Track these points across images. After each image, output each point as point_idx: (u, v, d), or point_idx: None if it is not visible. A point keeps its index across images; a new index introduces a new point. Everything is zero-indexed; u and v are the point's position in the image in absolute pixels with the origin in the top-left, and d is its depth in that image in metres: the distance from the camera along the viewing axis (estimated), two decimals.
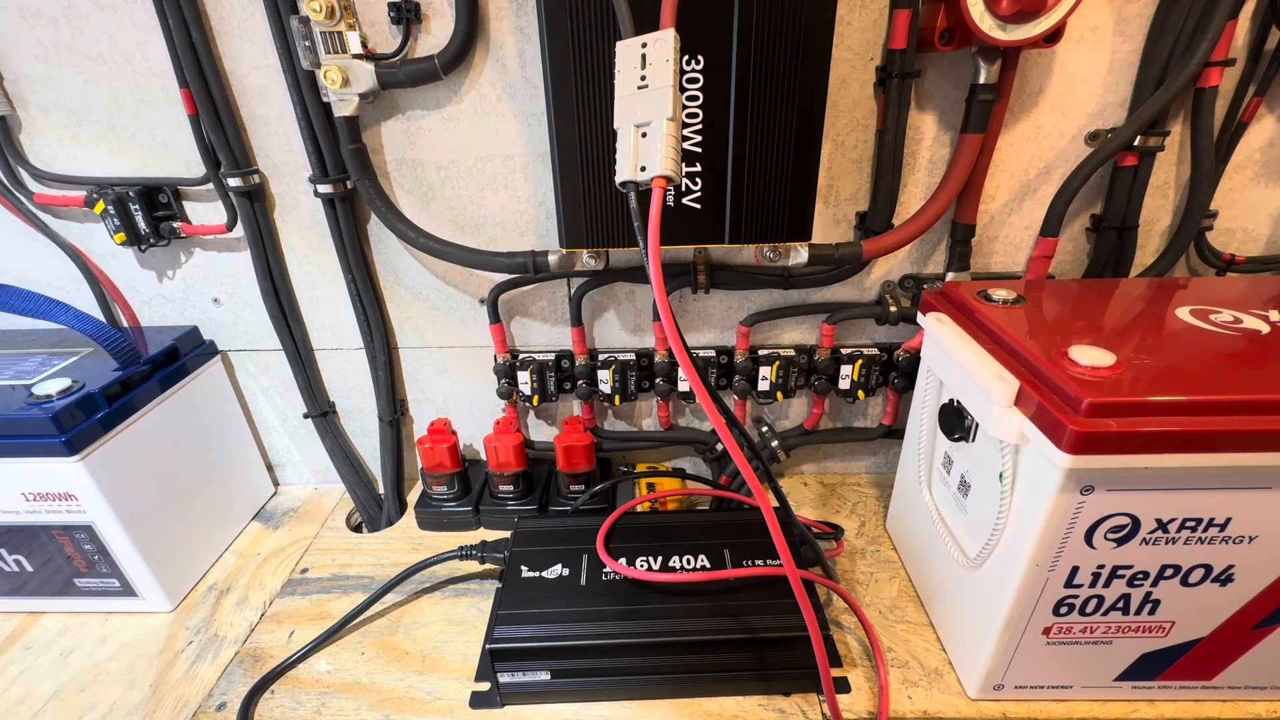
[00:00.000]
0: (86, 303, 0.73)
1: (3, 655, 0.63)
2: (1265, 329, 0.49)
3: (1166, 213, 0.67)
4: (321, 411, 0.79)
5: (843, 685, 0.57)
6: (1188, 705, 0.54)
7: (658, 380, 0.74)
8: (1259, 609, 0.48)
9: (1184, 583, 0.47)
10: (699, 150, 0.55)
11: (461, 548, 0.66)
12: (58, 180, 0.67)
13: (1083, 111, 0.62)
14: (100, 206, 0.65)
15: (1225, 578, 0.47)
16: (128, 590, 0.66)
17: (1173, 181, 0.66)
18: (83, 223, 0.70)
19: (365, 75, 0.59)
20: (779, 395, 0.75)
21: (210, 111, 0.62)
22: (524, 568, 0.61)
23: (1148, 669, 0.52)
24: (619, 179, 0.41)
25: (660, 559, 0.60)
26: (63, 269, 0.71)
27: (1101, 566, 0.47)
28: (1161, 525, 0.45)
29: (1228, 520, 0.44)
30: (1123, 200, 0.64)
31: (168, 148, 0.66)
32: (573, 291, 0.72)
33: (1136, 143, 0.61)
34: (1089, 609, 0.49)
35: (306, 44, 0.58)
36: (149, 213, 0.67)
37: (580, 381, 0.75)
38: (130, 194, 0.66)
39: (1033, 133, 0.63)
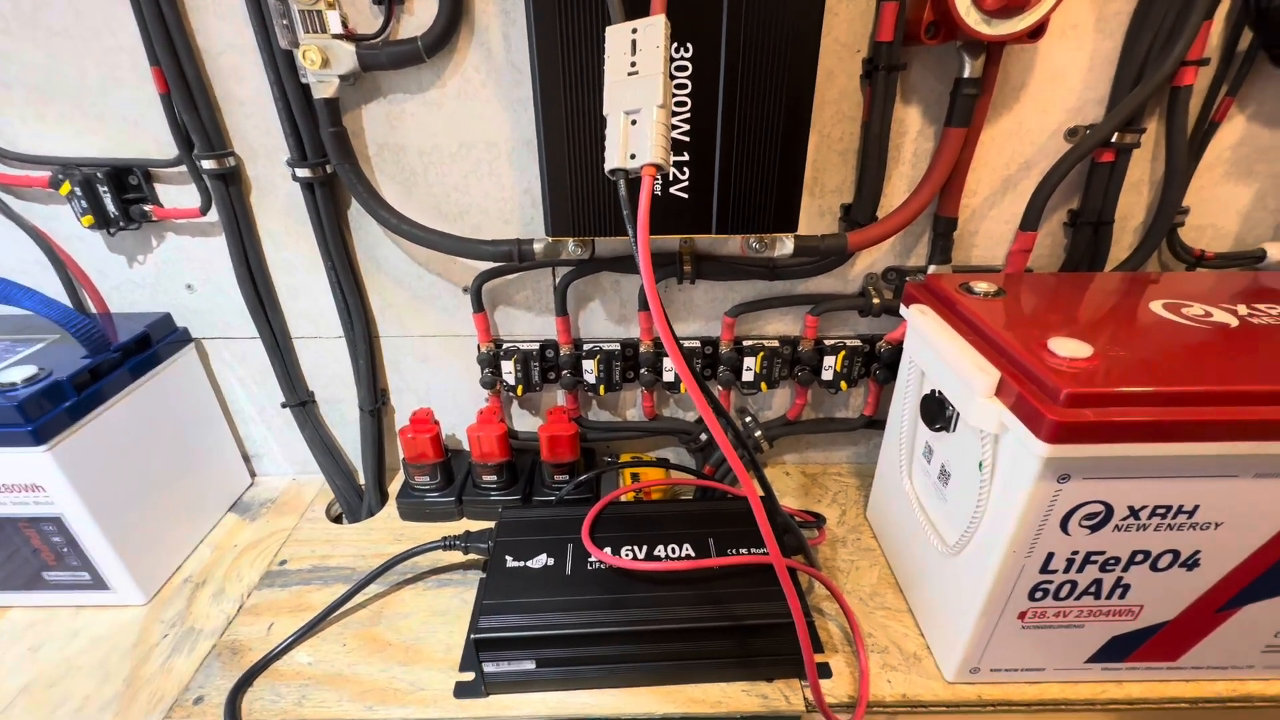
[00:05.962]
0: (52, 288, 0.70)
1: None
2: (1234, 322, 0.50)
3: (1141, 209, 0.69)
4: (300, 401, 0.78)
5: (824, 670, 0.58)
6: (1154, 686, 0.56)
7: (642, 370, 0.74)
8: (1223, 592, 0.50)
9: (1153, 568, 0.49)
10: (687, 139, 0.55)
11: (445, 538, 0.65)
12: (20, 160, 0.64)
13: (1063, 107, 0.63)
14: (66, 188, 0.63)
15: (1192, 562, 0.48)
16: (99, 583, 0.64)
17: (1147, 178, 0.67)
18: (47, 204, 0.67)
19: (346, 56, 0.58)
20: (763, 386, 0.75)
21: (183, 90, 0.60)
22: (509, 558, 0.60)
23: (1117, 651, 0.54)
24: (608, 166, 0.40)
25: (645, 548, 0.60)
26: (26, 252, 0.68)
27: (1076, 552, 0.48)
28: (1134, 512, 0.46)
29: (1196, 507, 0.45)
30: (1099, 196, 0.66)
31: (138, 127, 0.64)
32: (558, 281, 0.71)
33: (1114, 139, 0.62)
34: (1063, 594, 0.50)
35: (284, 22, 0.56)
36: (118, 195, 0.65)
37: (565, 371, 0.75)
38: (98, 175, 0.63)
39: (1014, 128, 0.64)
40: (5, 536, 0.61)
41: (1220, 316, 0.51)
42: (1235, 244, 0.71)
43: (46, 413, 0.57)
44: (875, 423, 0.80)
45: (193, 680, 0.58)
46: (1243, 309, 0.52)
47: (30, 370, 0.58)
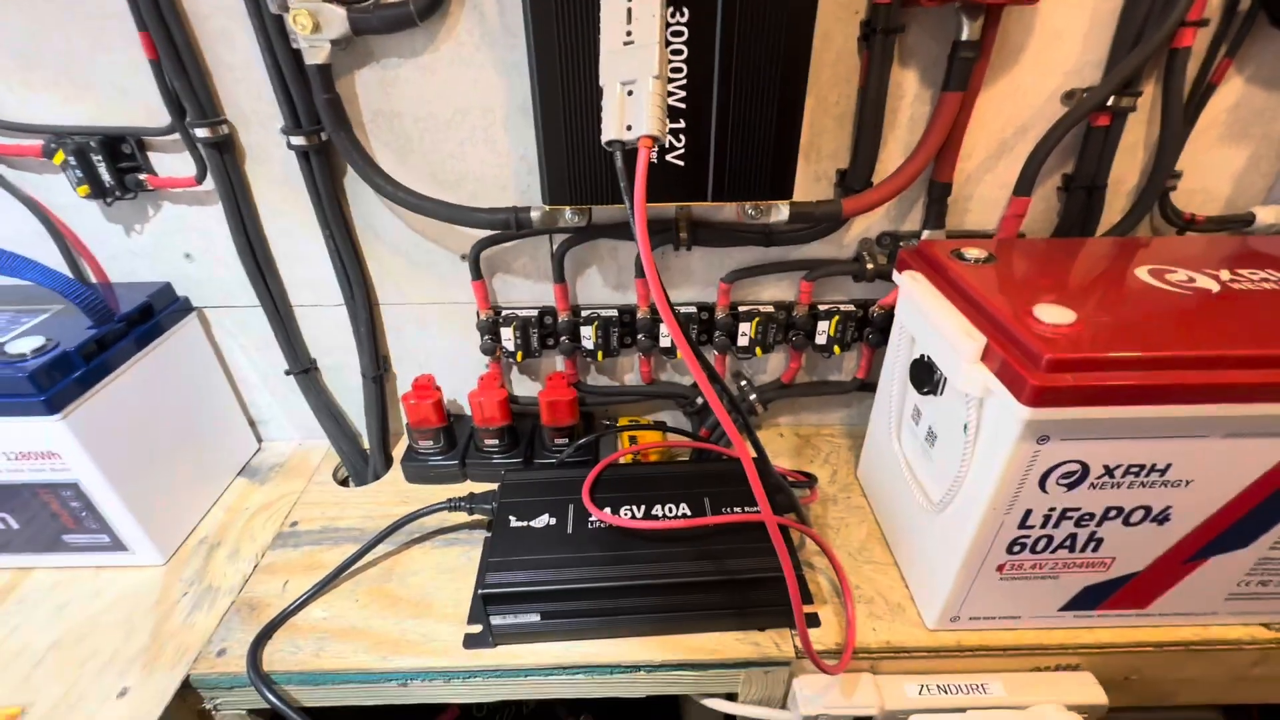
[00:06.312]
0: (51, 258, 0.70)
1: None
2: (1215, 288, 0.52)
3: (1134, 173, 0.69)
4: (303, 368, 0.79)
5: (813, 620, 0.61)
6: (1123, 631, 0.59)
7: (639, 336, 0.76)
8: (1190, 545, 0.53)
9: (1125, 523, 0.51)
10: (683, 106, 0.55)
11: (450, 499, 0.68)
12: (12, 129, 0.63)
13: (1060, 70, 0.63)
14: (60, 157, 0.62)
15: (1163, 518, 0.51)
16: (118, 545, 0.67)
17: (1142, 142, 0.67)
18: (42, 174, 0.67)
19: (337, 20, 0.57)
20: (758, 350, 0.77)
21: (172, 56, 0.59)
22: (512, 517, 0.63)
23: (1089, 600, 0.57)
24: (605, 138, 0.41)
25: (643, 507, 0.63)
26: (24, 224, 0.69)
27: (1052, 509, 0.50)
28: (1109, 471, 0.48)
29: (1168, 466, 0.48)
30: (1094, 160, 0.66)
31: (128, 95, 0.63)
32: (555, 248, 0.72)
33: (1110, 103, 0.62)
34: (1039, 547, 0.53)
35: None
36: (113, 164, 0.64)
37: (563, 338, 0.76)
38: (91, 144, 0.63)
39: (1011, 91, 0.64)
40: (24, 502, 0.64)
41: (1203, 282, 0.52)
42: (1226, 207, 0.71)
43: (57, 383, 0.58)
44: (867, 386, 0.82)
45: (214, 634, 0.61)
46: (1225, 274, 0.54)
47: (38, 341, 0.59)
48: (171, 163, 0.67)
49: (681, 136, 0.57)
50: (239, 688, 0.58)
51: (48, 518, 0.65)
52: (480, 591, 0.57)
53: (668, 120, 0.55)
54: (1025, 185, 0.65)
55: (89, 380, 0.61)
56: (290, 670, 0.58)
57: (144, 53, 0.59)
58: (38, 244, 0.70)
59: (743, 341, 0.76)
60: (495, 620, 0.58)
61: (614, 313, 0.75)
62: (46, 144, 0.63)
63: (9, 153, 0.64)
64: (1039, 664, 0.60)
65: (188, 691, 0.58)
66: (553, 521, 0.63)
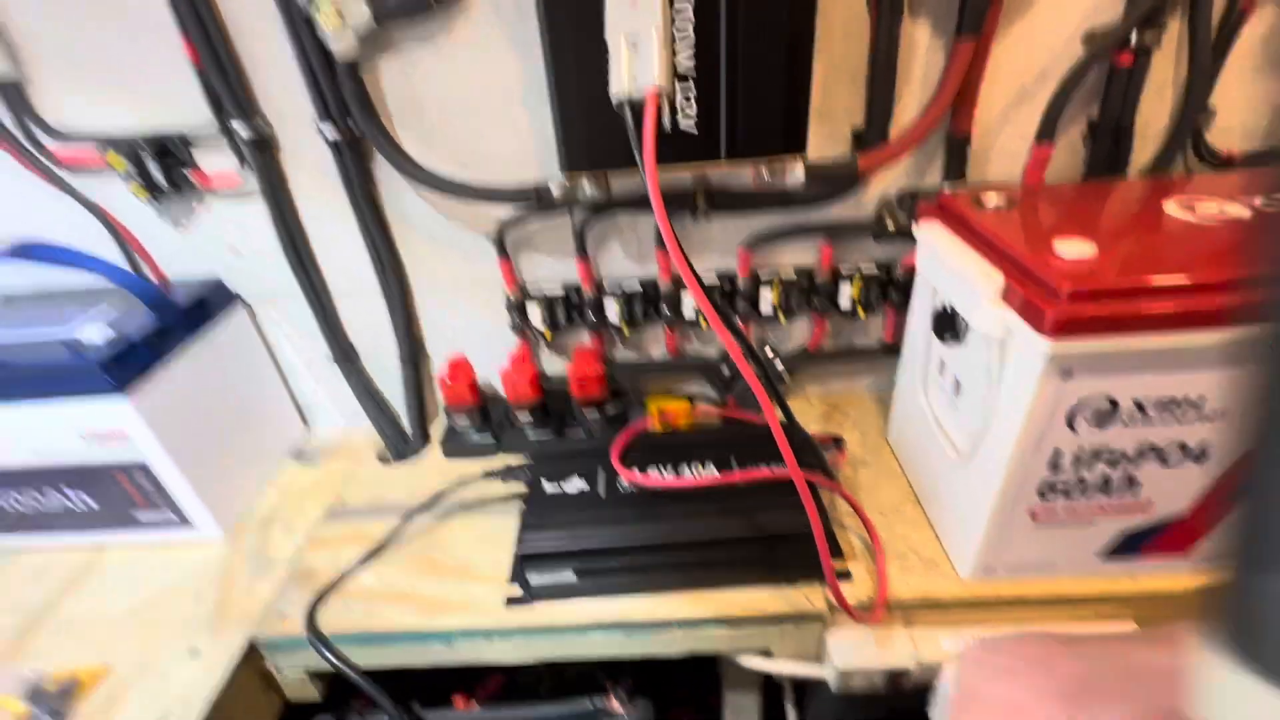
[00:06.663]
0: (111, 257, 0.75)
1: (80, 584, 0.70)
2: (1247, 215, 0.50)
3: (1163, 114, 0.67)
4: (345, 354, 0.83)
5: (845, 575, 0.61)
6: (1166, 579, 0.58)
7: (663, 308, 0.77)
8: (1234, 484, 0.51)
9: (1162, 462, 0.50)
10: (691, 64, 0.56)
11: (486, 472, 0.71)
12: (71, 136, 0.69)
13: (1079, 9, 0.61)
14: (118, 161, 0.67)
15: (1201, 455, 0.50)
16: (183, 521, 0.72)
17: (1170, 81, 0.65)
18: (96, 177, 0.72)
19: (358, 10, 0.60)
20: (781, 317, 0.77)
21: (211, 57, 0.63)
22: (546, 484, 0.65)
23: (1128, 546, 0.56)
24: (612, 91, 0.42)
25: (672, 469, 0.64)
26: (85, 226, 0.74)
27: (1083, 449, 0.50)
28: (1139, 407, 0.47)
29: (1202, 399, 0.47)
30: (1118, 102, 0.64)
31: (171, 97, 0.67)
32: (576, 224, 0.73)
33: (1133, 40, 0.60)
34: (1072, 491, 0.52)
35: None
36: (163, 164, 0.69)
37: (589, 313, 0.78)
38: (142, 144, 0.67)
39: (1028, 35, 0.63)
40: (102, 483, 0.69)
41: (1234, 211, 0.51)
42: (1265, 143, 0.68)
43: (126, 368, 0.63)
44: (894, 349, 0.81)
45: (274, 601, 0.65)
46: (1260, 200, 0.52)
47: (106, 330, 0.64)
48: (215, 161, 0.71)
49: (693, 100, 0.58)
50: (298, 649, 0.62)
51: (121, 497, 0.70)
52: (518, 552, 0.59)
53: (674, 75, 0.55)
54: (1047, 131, 0.64)
55: (153, 367, 0.66)
56: (344, 631, 0.61)
57: (187, 57, 0.63)
58: (100, 244, 0.75)
59: (766, 309, 0.77)
60: (534, 580, 0.60)
61: (637, 286, 0.77)
62: (103, 149, 0.68)
63: (71, 160, 0.70)
64: (1079, 614, 0.59)
65: (253, 653, 0.62)
66: (585, 487, 0.65)
